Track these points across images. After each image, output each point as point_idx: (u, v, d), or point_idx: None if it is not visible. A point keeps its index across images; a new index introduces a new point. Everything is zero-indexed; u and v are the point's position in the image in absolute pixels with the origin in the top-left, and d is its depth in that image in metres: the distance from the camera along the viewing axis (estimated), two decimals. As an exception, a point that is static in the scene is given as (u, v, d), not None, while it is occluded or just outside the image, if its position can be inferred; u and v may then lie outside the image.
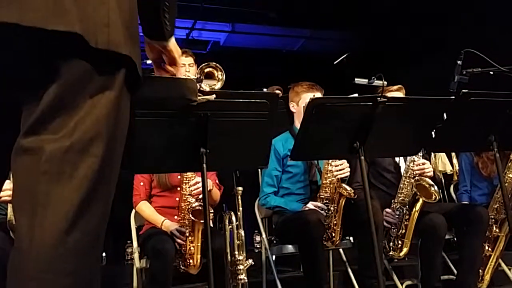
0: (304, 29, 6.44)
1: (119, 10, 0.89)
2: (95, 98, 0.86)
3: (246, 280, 2.06)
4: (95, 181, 0.86)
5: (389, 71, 2.15)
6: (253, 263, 2.10)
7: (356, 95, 2.28)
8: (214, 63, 1.83)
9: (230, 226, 2.14)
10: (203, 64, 1.82)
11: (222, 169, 2.47)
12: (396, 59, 5.57)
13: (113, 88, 0.89)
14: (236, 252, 2.04)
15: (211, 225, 1.96)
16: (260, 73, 6.45)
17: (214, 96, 1.49)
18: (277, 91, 2.87)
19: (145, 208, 2.32)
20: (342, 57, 4.74)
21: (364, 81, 2.27)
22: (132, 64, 0.91)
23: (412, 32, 5.56)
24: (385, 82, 2.05)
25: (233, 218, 2.14)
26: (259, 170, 2.81)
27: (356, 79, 2.39)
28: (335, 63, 4.87)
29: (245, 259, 2.06)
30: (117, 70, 0.89)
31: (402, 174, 2.55)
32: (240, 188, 2.22)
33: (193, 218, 2.06)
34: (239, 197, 2.22)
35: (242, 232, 2.12)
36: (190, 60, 2.78)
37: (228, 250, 2.11)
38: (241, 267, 2.01)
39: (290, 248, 2.42)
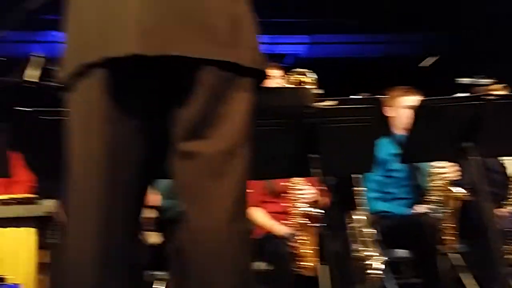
0: (384, 34, 6.41)
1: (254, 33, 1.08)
2: (237, 106, 1.04)
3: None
4: (245, 179, 1.03)
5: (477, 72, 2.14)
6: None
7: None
8: (307, 71, 1.95)
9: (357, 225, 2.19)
10: (295, 74, 1.94)
11: (330, 175, 2.55)
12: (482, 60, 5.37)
13: (250, 96, 1.06)
14: (365, 248, 2.09)
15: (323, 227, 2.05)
16: (344, 82, 6.49)
17: (332, 102, 1.60)
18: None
19: (257, 214, 2.46)
20: (428, 59, 4.67)
21: (468, 80, 2.27)
22: (260, 77, 1.09)
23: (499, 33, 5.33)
24: (492, 80, 2.05)
25: (357, 217, 2.20)
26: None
27: (459, 79, 2.38)
28: (420, 65, 4.80)
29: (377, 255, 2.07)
30: (252, 81, 1.06)
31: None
32: (361, 188, 2.28)
33: (305, 221, 2.16)
34: (359, 196, 2.27)
35: (368, 229, 2.15)
36: (279, 72, 2.92)
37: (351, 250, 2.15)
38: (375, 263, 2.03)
39: (402, 252, 2.42)
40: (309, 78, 1.95)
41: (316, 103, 1.55)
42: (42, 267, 2.57)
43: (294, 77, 1.95)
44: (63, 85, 1.07)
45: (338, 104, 1.77)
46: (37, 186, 3.17)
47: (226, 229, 0.98)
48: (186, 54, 0.97)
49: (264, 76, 1.11)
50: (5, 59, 2.09)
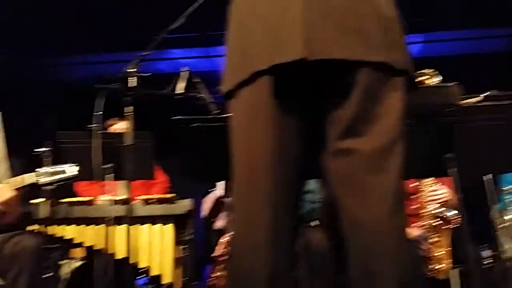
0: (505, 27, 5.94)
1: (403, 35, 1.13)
2: (391, 105, 1.09)
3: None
4: (402, 175, 1.07)
5: None
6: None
7: None
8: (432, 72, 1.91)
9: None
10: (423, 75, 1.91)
11: (466, 175, 2.47)
12: None
13: (402, 95, 1.11)
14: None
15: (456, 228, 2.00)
16: (466, 80, 6.14)
17: (478, 98, 1.57)
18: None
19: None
20: None
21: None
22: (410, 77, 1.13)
23: None
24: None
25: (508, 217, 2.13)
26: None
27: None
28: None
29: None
30: (403, 80, 1.12)
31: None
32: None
33: (437, 223, 2.13)
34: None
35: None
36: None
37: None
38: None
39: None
40: (435, 78, 1.92)
41: (461, 101, 1.53)
42: (177, 262, 2.83)
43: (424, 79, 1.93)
44: (226, 94, 1.21)
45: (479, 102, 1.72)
46: (171, 186, 3.49)
47: (386, 223, 1.03)
48: (345, 57, 1.06)
49: (414, 76, 1.15)
50: (150, 74, 2.34)
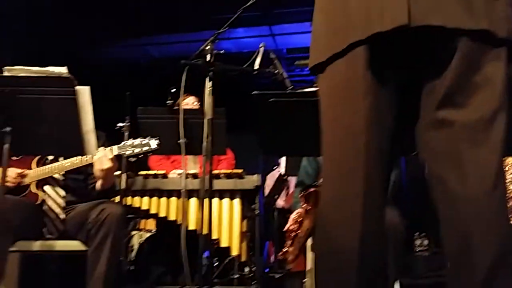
0: None
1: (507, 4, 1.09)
2: (493, 75, 1.05)
3: None
4: (502, 148, 1.04)
5: None
6: None
7: None
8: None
9: None
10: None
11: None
12: None
13: (504, 66, 1.06)
14: None
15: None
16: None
17: None
18: None
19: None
20: None
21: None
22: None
23: None
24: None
25: None
26: None
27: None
28: None
29: None
30: (506, 50, 1.07)
31: None
32: None
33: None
34: None
35: None
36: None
37: None
38: None
39: None
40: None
41: None
42: (243, 235, 2.92)
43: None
44: (316, 68, 1.21)
45: None
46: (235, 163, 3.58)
47: (488, 197, 1.01)
48: (446, 24, 1.03)
49: None
50: (223, 51, 2.38)
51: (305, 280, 2.63)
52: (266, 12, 4.60)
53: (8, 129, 1.78)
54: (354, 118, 1.11)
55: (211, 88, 2.08)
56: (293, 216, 2.41)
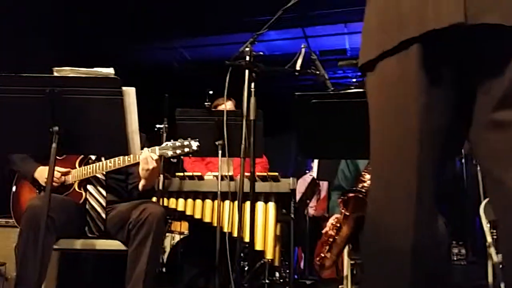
0: None
1: None
2: None
3: None
4: None
5: None
6: None
7: None
8: None
9: None
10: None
11: None
12: None
13: None
14: None
15: None
16: None
17: None
18: None
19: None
20: None
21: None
22: None
23: None
24: None
25: None
26: None
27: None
28: None
29: None
30: None
31: None
32: None
33: None
34: None
35: None
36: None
37: None
38: None
39: None
40: None
41: None
42: (277, 239, 2.90)
43: None
44: (366, 65, 1.20)
45: None
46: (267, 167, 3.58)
47: None
48: (504, 22, 1.01)
49: None
50: (262, 53, 2.39)
51: (341, 286, 2.61)
52: (300, 14, 4.61)
53: (56, 128, 1.82)
54: (407, 118, 1.10)
55: (254, 90, 2.09)
56: (331, 221, 2.39)
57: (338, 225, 2.31)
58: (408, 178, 1.09)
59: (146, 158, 2.21)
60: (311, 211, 4.83)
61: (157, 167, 2.24)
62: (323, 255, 2.34)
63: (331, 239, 2.32)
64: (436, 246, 1.13)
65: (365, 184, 2.27)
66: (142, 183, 2.32)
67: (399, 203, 1.10)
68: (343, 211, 2.24)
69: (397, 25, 1.11)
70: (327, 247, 2.35)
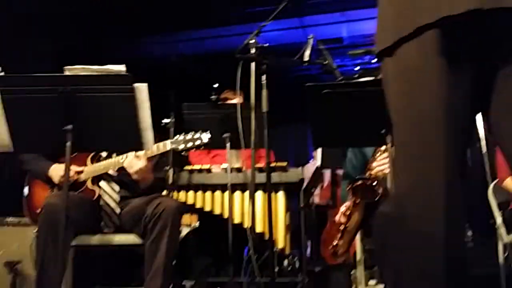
0: None
1: None
2: None
3: None
4: None
5: None
6: None
7: None
8: None
9: None
10: None
11: None
12: None
13: None
14: None
15: None
16: None
17: None
18: None
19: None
20: None
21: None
22: None
23: None
24: None
25: None
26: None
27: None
28: None
29: None
30: None
31: None
32: None
33: None
34: None
35: None
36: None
37: None
38: None
39: None
40: None
41: None
42: (287, 228, 2.95)
43: None
44: (382, 52, 1.22)
45: None
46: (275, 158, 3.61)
47: None
48: None
49: None
50: (267, 44, 2.42)
51: (353, 272, 2.67)
52: (297, 3, 4.61)
53: (69, 127, 1.84)
54: (430, 105, 1.10)
55: (265, 82, 2.12)
56: (342, 209, 2.44)
57: (349, 212, 2.35)
58: (436, 167, 1.09)
59: (130, 162, 2.27)
60: (315, 199, 4.87)
61: (144, 166, 2.29)
62: (335, 243, 2.39)
63: (342, 227, 2.36)
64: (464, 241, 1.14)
65: (372, 172, 2.31)
66: (139, 184, 2.39)
67: (427, 190, 1.10)
68: (352, 198, 2.28)
69: (412, 11, 1.11)
70: (339, 235, 2.40)
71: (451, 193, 1.09)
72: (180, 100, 3.01)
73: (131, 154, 2.29)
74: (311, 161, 5.62)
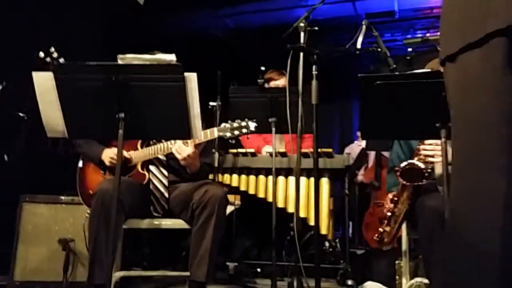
0: None
1: None
2: None
3: None
4: None
5: None
6: None
7: None
8: None
9: None
10: None
11: None
12: None
13: None
14: None
15: None
16: None
17: None
18: None
19: None
20: None
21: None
22: None
23: None
24: None
25: None
26: None
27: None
28: None
29: None
30: None
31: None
32: None
33: None
34: None
35: None
36: None
37: None
38: None
39: None
40: None
41: None
42: (330, 214, 2.96)
43: None
44: (446, 57, 1.18)
45: None
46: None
47: None
48: None
49: None
50: (316, 28, 2.36)
51: (398, 261, 2.65)
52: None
53: (122, 115, 1.89)
54: (490, 118, 1.07)
55: (316, 73, 2.09)
56: (389, 196, 2.42)
57: (396, 199, 2.34)
58: (493, 177, 1.07)
59: (177, 149, 2.31)
60: (360, 177, 4.86)
61: (192, 153, 2.32)
62: (381, 229, 2.38)
63: (389, 213, 2.35)
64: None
65: (421, 157, 2.27)
66: (187, 169, 2.43)
67: (486, 203, 1.08)
68: (401, 181, 2.26)
69: (482, 15, 1.06)
70: (386, 221, 2.38)
71: (509, 209, 1.05)
72: (227, 78, 3.03)
73: (180, 140, 2.34)
74: (356, 141, 5.57)
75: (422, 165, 2.16)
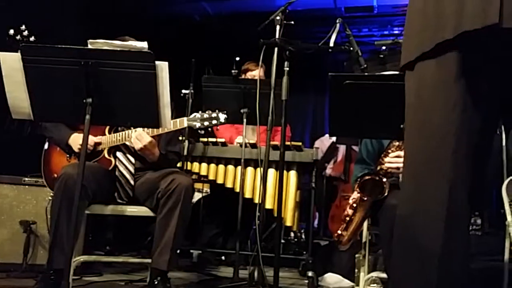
0: None
1: None
2: None
3: None
4: None
5: None
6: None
7: None
8: None
9: None
10: None
11: None
12: None
13: None
14: None
15: None
16: None
17: None
18: None
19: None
20: None
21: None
22: None
23: None
24: None
25: None
26: None
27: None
28: None
29: None
30: None
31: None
32: None
33: None
34: None
35: None
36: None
37: None
38: None
39: None
40: None
41: None
42: (296, 206, 3.01)
43: None
44: (405, 65, 1.22)
45: None
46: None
47: None
48: None
49: None
50: (292, 22, 2.38)
51: (358, 255, 2.73)
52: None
53: (89, 100, 1.88)
54: (443, 126, 1.12)
55: (287, 69, 2.12)
56: (350, 201, 2.47)
57: (355, 205, 2.39)
58: (440, 185, 1.12)
59: (137, 136, 2.30)
60: (328, 170, 4.94)
61: (148, 143, 2.31)
62: (340, 232, 2.44)
63: (348, 218, 2.41)
64: (464, 252, 1.17)
65: (383, 167, 2.33)
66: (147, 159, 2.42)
67: (431, 206, 1.13)
68: (359, 195, 2.31)
69: (435, 27, 1.11)
70: (344, 225, 2.44)
71: (452, 213, 1.11)
72: (202, 66, 3.02)
73: (140, 129, 2.33)
74: (327, 134, 5.64)
75: (384, 179, 2.21)
